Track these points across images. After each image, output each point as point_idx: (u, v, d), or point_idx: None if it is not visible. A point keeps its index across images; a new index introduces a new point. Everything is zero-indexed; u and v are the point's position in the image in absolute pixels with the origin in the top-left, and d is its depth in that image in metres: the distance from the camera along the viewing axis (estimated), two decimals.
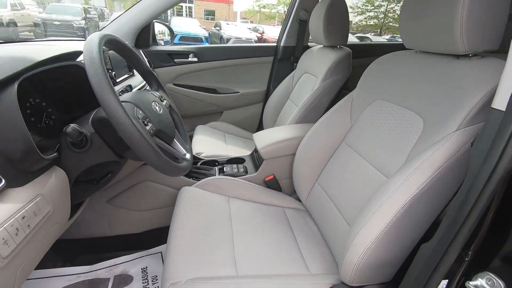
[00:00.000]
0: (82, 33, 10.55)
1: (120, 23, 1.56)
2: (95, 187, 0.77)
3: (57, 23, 10.59)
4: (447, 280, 0.58)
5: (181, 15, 22.83)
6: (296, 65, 1.86)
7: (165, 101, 0.88)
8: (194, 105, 1.97)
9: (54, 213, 0.62)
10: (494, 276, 0.50)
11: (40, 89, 0.74)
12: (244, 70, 2.00)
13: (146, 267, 1.20)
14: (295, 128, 1.35)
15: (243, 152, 1.55)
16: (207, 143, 1.65)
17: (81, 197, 0.77)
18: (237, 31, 12.74)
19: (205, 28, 14.50)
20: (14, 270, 0.52)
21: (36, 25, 10.61)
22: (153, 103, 0.75)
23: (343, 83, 1.47)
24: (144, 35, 1.68)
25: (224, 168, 1.32)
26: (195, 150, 1.51)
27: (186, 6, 24.17)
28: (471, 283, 0.52)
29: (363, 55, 1.85)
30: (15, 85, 0.56)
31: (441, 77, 0.77)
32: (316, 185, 1.13)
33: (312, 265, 0.90)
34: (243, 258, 0.86)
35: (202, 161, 1.41)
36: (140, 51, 1.67)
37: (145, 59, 1.66)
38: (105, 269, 1.17)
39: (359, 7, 16.74)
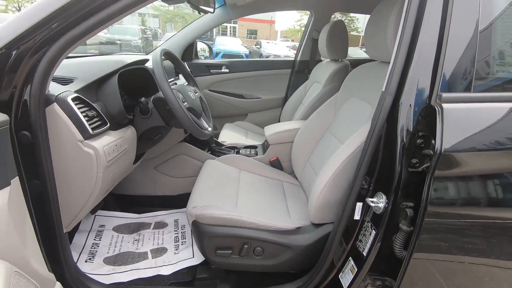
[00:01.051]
0: (138, 51, 11.99)
1: (172, 42, 2.09)
2: (151, 143, 1.21)
3: (118, 42, 12.21)
4: (361, 203, 0.89)
5: (226, 34, 24.43)
6: (309, 76, 2.23)
7: (197, 93, 1.31)
8: (224, 107, 2.42)
9: (128, 151, 1.05)
10: (382, 194, 0.81)
11: (119, 82, 1.19)
12: (266, 79, 2.41)
13: (178, 219, 1.61)
14: (297, 122, 1.70)
15: (258, 143, 1.92)
16: (231, 136, 2.06)
17: (142, 149, 1.21)
18: (276, 49, 13.31)
19: (246, 46, 15.41)
20: (109, 173, 0.95)
21: (101, 43, 12.33)
22: (189, 92, 1.18)
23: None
24: (189, 51, 2.20)
25: (240, 151, 1.72)
26: (220, 139, 1.94)
27: (230, 26, 25.81)
28: (369, 199, 0.83)
29: None
30: (117, 75, 1.02)
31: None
32: (307, 164, 1.46)
33: (293, 214, 1.23)
34: (243, 202, 1.22)
35: (225, 146, 1.81)
36: (185, 63, 2.16)
37: (188, 68, 2.15)
38: (149, 217, 1.60)
39: None
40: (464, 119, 0.70)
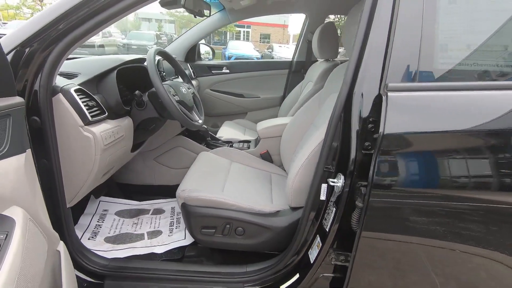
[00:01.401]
0: None
1: (176, 44, 2.25)
2: (147, 133, 1.34)
3: (134, 47, 12.71)
4: (326, 184, 0.98)
5: (239, 38, 24.80)
6: (305, 76, 2.33)
7: (190, 89, 1.44)
8: (225, 106, 2.55)
9: (125, 138, 1.19)
10: (340, 174, 0.90)
11: (119, 78, 1.33)
12: (265, 79, 2.53)
13: (174, 207, 1.74)
14: (288, 118, 1.80)
15: (253, 139, 2.04)
16: (229, 132, 2.18)
17: (139, 138, 1.34)
18: (288, 53, 13.48)
19: (258, 50, 15.61)
20: (106, 156, 1.08)
21: (118, 48, 12.91)
22: (180, 87, 1.31)
23: None
24: (192, 52, 2.35)
25: (233, 145, 1.83)
26: (218, 135, 2.06)
27: (244, 31, 26.18)
28: (330, 179, 0.92)
29: None
30: (115, 71, 1.16)
31: None
32: (293, 156, 1.56)
33: (275, 200, 1.33)
34: (229, 188, 1.33)
35: (221, 141, 1.94)
36: (188, 64, 2.31)
37: (190, 69, 2.29)
38: (148, 204, 1.74)
39: None
40: (406, 105, 0.78)
